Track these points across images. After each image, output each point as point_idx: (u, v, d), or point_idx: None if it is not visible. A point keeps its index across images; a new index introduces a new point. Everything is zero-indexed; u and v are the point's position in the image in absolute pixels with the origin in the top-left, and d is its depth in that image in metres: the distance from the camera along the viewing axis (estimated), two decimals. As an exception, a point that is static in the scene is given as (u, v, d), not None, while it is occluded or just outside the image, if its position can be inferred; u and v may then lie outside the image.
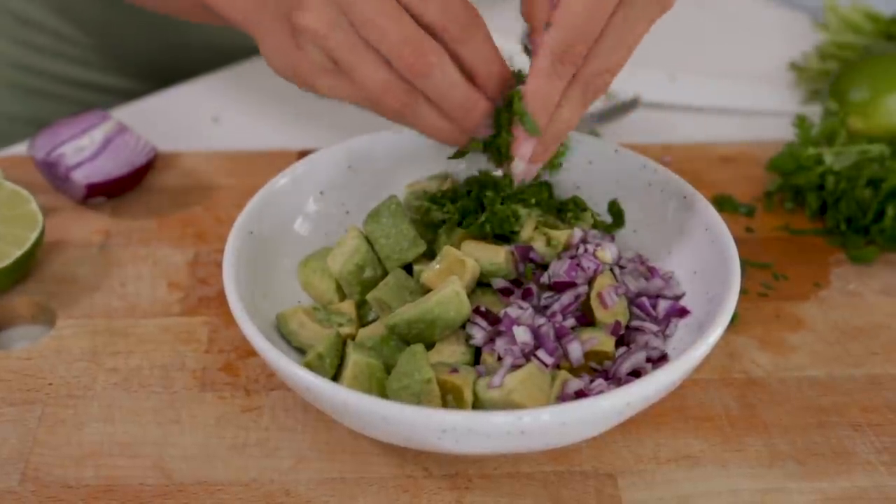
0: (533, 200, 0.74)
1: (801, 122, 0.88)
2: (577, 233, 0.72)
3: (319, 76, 0.67)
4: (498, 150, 0.69)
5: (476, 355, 0.67)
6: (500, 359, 0.66)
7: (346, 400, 0.58)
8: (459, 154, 0.72)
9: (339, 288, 0.72)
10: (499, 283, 0.71)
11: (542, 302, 0.70)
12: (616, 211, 0.77)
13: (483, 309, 0.68)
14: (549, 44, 0.64)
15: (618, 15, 0.64)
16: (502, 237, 0.74)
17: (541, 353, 0.65)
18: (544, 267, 0.72)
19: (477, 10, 0.65)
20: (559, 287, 0.70)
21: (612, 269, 0.71)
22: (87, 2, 1.06)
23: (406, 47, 0.63)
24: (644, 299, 0.70)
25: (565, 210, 0.75)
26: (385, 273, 0.72)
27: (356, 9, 0.63)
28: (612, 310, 0.68)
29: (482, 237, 0.74)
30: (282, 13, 0.67)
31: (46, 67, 1.10)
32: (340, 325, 0.69)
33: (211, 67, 1.09)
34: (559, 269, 0.70)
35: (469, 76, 0.66)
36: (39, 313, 0.77)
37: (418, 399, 0.63)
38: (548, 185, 0.75)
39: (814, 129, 0.88)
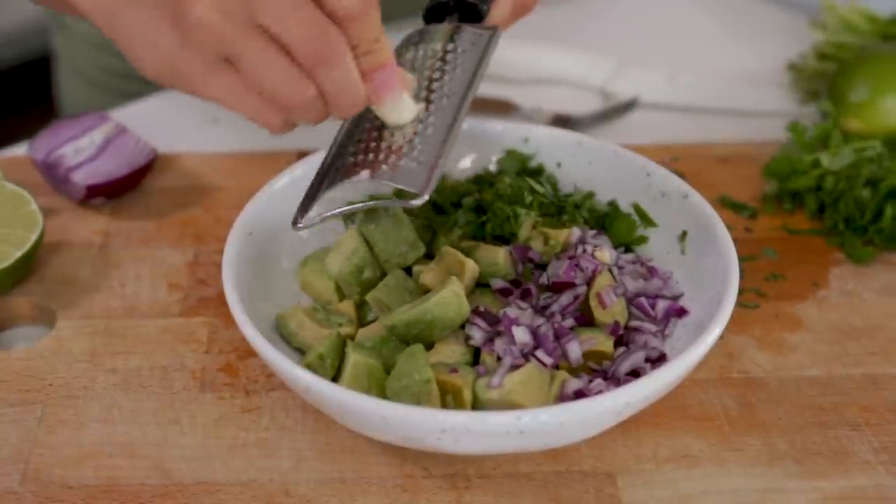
0: (530, 201, 0.74)
1: (794, 127, 0.88)
2: (576, 232, 0.73)
3: (207, 76, 0.60)
4: None
5: (475, 355, 0.67)
6: (499, 359, 0.66)
7: (346, 400, 0.58)
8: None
9: (338, 288, 0.73)
10: (498, 283, 0.71)
11: (541, 302, 0.70)
12: (615, 213, 0.78)
13: (482, 309, 0.68)
14: None
15: None
16: (501, 238, 0.74)
17: (540, 354, 0.65)
18: (543, 267, 0.72)
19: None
20: (558, 287, 0.70)
21: (610, 270, 0.71)
22: None
23: (310, 33, 0.58)
24: (643, 299, 0.70)
25: (564, 212, 0.75)
26: (384, 274, 0.72)
27: None
28: (610, 310, 0.68)
29: (481, 238, 0.74)
30: (161, 2, 0.60)
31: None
32: (340, 325, 0.69)
33: None
34: (558, 270, 0.70)
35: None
36: (39, 314, 0.77)
37: (418, 399, 0.63)
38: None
39: (808, 133, 0.88)
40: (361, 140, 0.67)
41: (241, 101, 0.61)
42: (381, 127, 0.66)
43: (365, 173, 0.64)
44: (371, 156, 0.65)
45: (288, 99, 0.60)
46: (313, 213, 0.67)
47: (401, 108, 0.64)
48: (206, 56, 0.59)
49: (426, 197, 0.63)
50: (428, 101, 0.67)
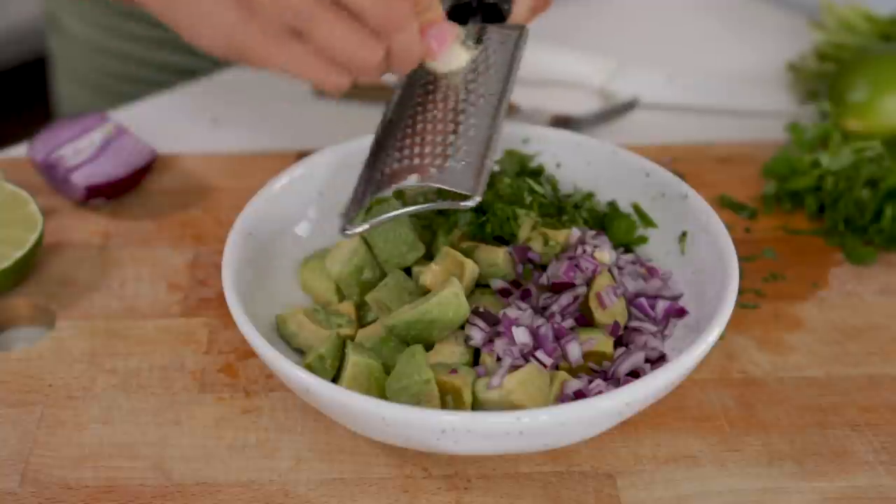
0: (530, 201, 0.74)
1: (793, 127, 0.88)
2: (576, 232, 0.73)
3: (274, 47, 0.62)
4: None
5: (475, 356, 0.67)
6: (499, 359, 0.66)
7: (346, 401, 0.58)
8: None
9: (338, 289, 0.73)
10: (497, 283, 0.71)
11: (541, 303, 0.70)
12: (615, 213, 0.78)
13: (482, 310, 0.68)
14: None
15: None
16: (501, 238, 0.74)
17: (540, 354, 0.65)
18: (543, 268, 0.72)
19: None
20: (558, 288, 0.70)
21: (610, 270, 0.71)
22: None
23: (380, 1, 0.59)
24: (642, 300, 0.70)
25: (563, 212, 0.75)
26: (384, 274, 0.72)
27: None
28: (610, 310, 0.68)
29: (481, 238, 0.74)
30: None
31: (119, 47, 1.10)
32: (340, 326, 0.69)
33: None
34: (557, 270, 0.70)
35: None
36: (39, 314, 0.77)
37: (417, 400, 0.63)
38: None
39: (807, 133, 0.88)
40: (404, 145, 0.67)
41: (309, 67, 0.62)
42: (423, 130, 0.67)
43: (413, 177, 0.65)
44: (417, 160, 0.65)
45: (361, 62, 0.61)
46: (360, 218, 0.68)
47: (451, 58, 0.67)
48: (273, 28, 0.61)
49: (478, 198, 0.63)
50: (466, 102, 0.67)
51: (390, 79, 0.71)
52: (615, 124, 0.98)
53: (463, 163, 0.64)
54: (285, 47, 0.62)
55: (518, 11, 0.74)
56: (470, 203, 0.63)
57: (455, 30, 0.66)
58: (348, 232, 0.67)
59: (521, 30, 0.71)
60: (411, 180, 0.64)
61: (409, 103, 0.69)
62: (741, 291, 0.76)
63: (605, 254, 0.71)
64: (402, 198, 0.75)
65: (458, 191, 0.63)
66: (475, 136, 0.65)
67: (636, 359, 0.66)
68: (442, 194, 0.70)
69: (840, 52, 1.01)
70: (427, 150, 0.66)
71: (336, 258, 0.72)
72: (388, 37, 0.61)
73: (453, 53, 0.67)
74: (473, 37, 0.71)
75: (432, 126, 0.67)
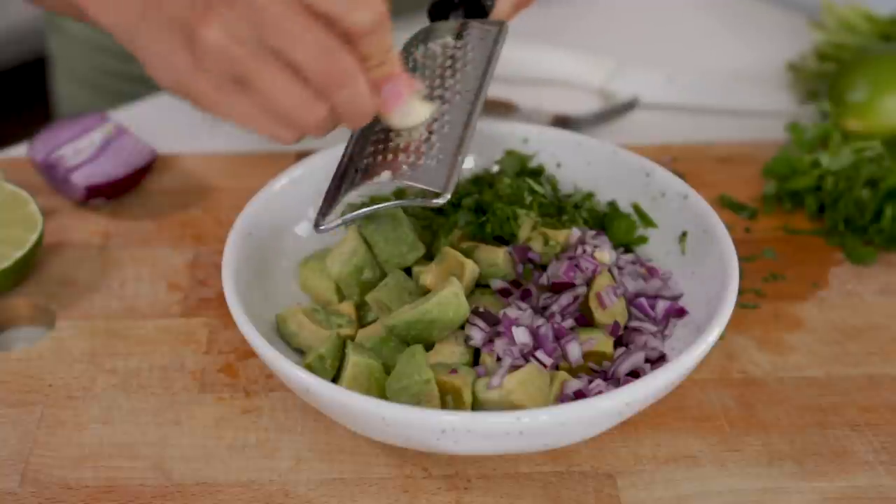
0: (530, 201, 0.74)
1: (794, 127, 0.88)
2: (576, 232, 0.73)
3: (219, 96, 0.61)
4: None
5: (475, 356, 0.67)
6: (499, 359, 0.66)
7: (346, 401, 0.58)
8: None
9: (338, 289, 0.73)
10: (497, 283, 0.71)
11: (541, 303, 0.70)
12: (615, 213, 0.78)
13: (482, 310, 0.68)
14: None
15: None
16: (501, 238, 0.74)
17: (540, 354, 0.65)
18: (543, 268, 0.72)
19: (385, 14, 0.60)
20: (558, 288, 0.70)
21: (610, 270, 0.71)
22: None
23: (323, 57, 0.58)
24: (642, 300, 0.70)
25: (563, 212, 0.75)
26: (384, 274, 0.72)
27: (266, 18, 0.57)
28: (610, 310, 0.68)
29: (481, 238, 0.74)
30: (175, 25, 0.61)
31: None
32: (340, 325, 0.69)
33: None
34: (557, 270, 0.70)
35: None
36: (39, 315, 0.77)
37: (418, 400, 0.63)
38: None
39: (807, 133, 0.88)
40: (379, 140, 0.67)
41: (254, 119, 0.62)
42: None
43: (386, 174, 0.65)
44: (390, 156, 0.65)
45: (301, 119, 0.61)
46: (334, 215, 0.68)
47: (408, 114, 0.65)
48: (219, 78, 0.60)
49: (448, 196, 0.63)
50: (442, 99, 0.67)
51: None
52: (615, 124, 0.98)
53: (436, 160, 0.64)
54: (230, 97, 0.61)
55: (501, 7, 0.73)
56: (440, 200, 0.64)
57: (413, 84, 0.64)
58: (322, 228, 0.67)
59: (500, 26, 0.71)
60: (384, 177, 0.65)
61: None
62: (741, 291, 0.76)
63: (605, 254, 0.71)
64: (402, 196, 0.75)
65: (430, 188, 0.64)
66: (449, 133, 0.65)
67: (636, 359, 0.66)
68: (414, 191, 0.71)
69: (840, 52, 1.01)
70: (401, 146, 0.65)
71: (336, 258, 0.72)
72: (330, 93, 0.59)
73: (412, 108, 0.65)
74: (454, 32, 0.71)
75: None
